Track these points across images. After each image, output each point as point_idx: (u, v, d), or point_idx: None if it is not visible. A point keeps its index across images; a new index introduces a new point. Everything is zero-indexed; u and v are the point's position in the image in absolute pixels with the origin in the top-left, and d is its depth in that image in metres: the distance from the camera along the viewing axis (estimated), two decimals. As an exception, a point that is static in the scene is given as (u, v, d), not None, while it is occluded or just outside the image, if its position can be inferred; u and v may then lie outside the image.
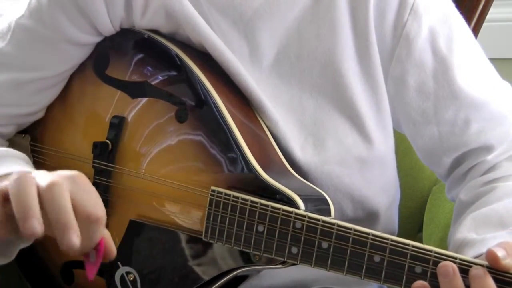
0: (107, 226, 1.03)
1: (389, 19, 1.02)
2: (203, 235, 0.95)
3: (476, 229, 0.96)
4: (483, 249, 0.89)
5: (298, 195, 0.93)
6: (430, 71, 1.03)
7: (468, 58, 1.06)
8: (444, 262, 0.82)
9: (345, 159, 1.03)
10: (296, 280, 1.09)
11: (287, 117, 1.04)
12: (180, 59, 1.01)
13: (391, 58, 1.04)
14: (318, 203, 0.96)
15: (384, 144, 1.07)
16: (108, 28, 1.04)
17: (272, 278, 1.08)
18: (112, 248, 0.80)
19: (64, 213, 0.74)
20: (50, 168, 1.07)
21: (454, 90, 1.04)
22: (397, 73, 1.04)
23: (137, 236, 1.02)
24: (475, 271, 0.80)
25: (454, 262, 0.82)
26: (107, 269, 1.04)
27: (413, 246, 0.84)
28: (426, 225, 1.29)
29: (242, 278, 1.01)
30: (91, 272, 0.80)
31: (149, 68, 1.04)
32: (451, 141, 1.06)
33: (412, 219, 1.32)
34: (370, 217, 1.07)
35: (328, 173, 1.03)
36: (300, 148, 1.03)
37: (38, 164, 1.11)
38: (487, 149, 1.06)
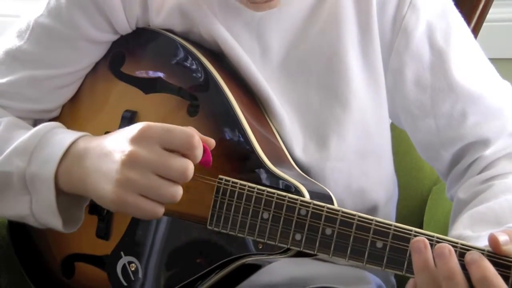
0: (113, 216, 1.07)
1: (389, 12, 1.05)
2: (208, 223, 0.97)
3: (472, 227, 0.97)
4: (478, 245, 0.90)
5: (304, 186, 0.95)
6: (427, 63, 1.06)
7: (464, 52, 1.08)
8: (440, 244, 0.82)
9: (346, 155, 1.06)
10: (294, 278, 1.10)
11: (293, 115, 1.06)
12: (194, 56, 1.04)
13: (390, 51, 1.06)
14: (322, 199, 0.97)
15: (381, 137, 1.09)
16: (125, 26, 1.07)
17: (271, 275, 1.09)
18: (206, 139, 0.96)
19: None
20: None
21: (450, 83, 1.06)
22: (396, 65, 1.06)
23: (141, 225, 1.03)
24: (470, 256, 0.81)
25: (456, 247, 0.83)
26: (109, 260, 1.05)
27: (416, 232, 0.86)
28: (426, 225, 1.30)
29: (252, 269, 1.02)
30: (208, 160, 0.95)
31: (163, 64, 1.07)
32: (448, 134, 1.08)
33: (412, 219, 1.33)
34: (368, 212, 1.09)
35: (329, 169, 1.05)
36: (302, 147, 1.05)
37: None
38: (483, 143, 1.07)
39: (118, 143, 0.93)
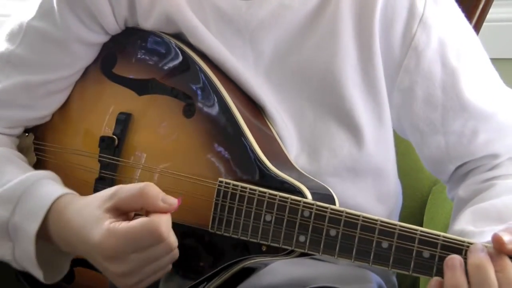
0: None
1: (397, 30, 1.02)
2: (209, 226, 0.96)
3: (474, 222, 0.97)
4: (481, 241, 0.90)
5: (306, 186, 0.95)
6: (439, 82, 1.03)
7: (476, 69, 1.06)
8: (451, 256, 0.83)
9: (338, 171, 1.04)
10: (295, 278, 1.09)
11: (288, 124, 1.05)
12: (188, 56, 1.03)
13: (399, 69, 1.03)
14: (324, 199, 0.96)
15: (381, 155, 1.07)
16: (114, 26, 1.07)
17: (272, 276, 1.08)
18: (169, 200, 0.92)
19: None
20: (53, 165, 1.09)
21: (463, 102, 1.04)
22: (405, 84, 1.04)
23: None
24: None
25: (462, 246, 0.84)
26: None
27: (421, 231, 0.85)
28: (426, 225, 1.29)
29: (249, 271, 1.01)
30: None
31: (156, 65, 1.06)
32: (457, 150, 1.06)
33: (412, 219, 1.32)
34: None
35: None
36: (294, 157, 1.04)
37: (41, 162, 1.11)
38: (493, 157, 1.06)
39: (95, 258, 0.92)
